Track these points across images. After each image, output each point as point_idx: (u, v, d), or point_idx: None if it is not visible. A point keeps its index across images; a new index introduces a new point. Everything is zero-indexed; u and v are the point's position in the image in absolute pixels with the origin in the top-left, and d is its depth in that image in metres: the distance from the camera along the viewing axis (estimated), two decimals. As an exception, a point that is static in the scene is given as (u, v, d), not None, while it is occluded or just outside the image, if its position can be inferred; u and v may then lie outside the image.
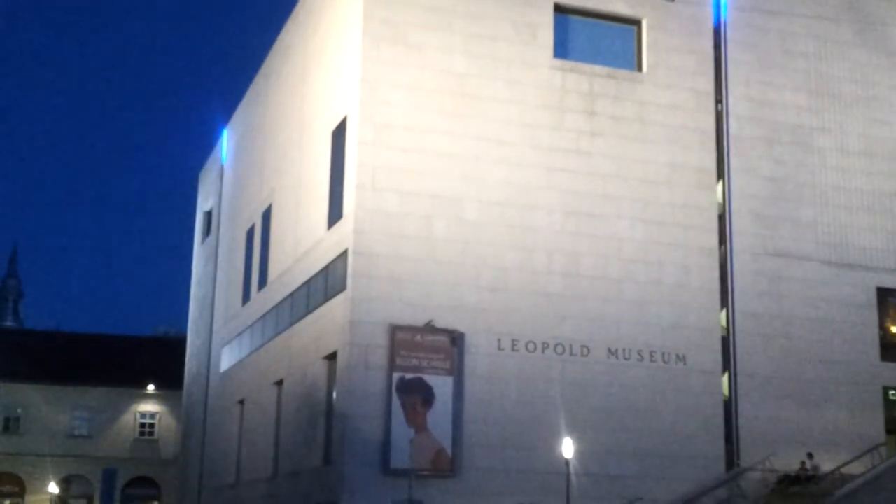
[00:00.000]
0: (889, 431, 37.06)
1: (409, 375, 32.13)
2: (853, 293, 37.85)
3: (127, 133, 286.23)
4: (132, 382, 70.42)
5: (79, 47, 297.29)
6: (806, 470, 34.81)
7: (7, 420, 69.81)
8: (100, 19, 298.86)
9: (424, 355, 32.36)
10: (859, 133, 39.28)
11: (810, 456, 35.11)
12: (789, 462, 35.10)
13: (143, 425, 71.29)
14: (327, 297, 34.99)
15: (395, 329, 32.28)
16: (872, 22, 40.45)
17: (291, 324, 39.35)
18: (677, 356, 35.10)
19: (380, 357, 32.09)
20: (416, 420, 31.93)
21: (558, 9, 36.40)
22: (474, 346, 33.12)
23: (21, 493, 68.92)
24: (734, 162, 37.46)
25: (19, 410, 69.63)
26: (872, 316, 38.06)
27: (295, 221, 40.72)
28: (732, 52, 38.20)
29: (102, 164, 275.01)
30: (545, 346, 33.85)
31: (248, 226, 48.85)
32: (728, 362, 36.01)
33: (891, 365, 37.86)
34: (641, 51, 37.22)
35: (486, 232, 33.93)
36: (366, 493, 31.22)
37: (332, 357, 34.30)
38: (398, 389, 31.96)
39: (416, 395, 32.08)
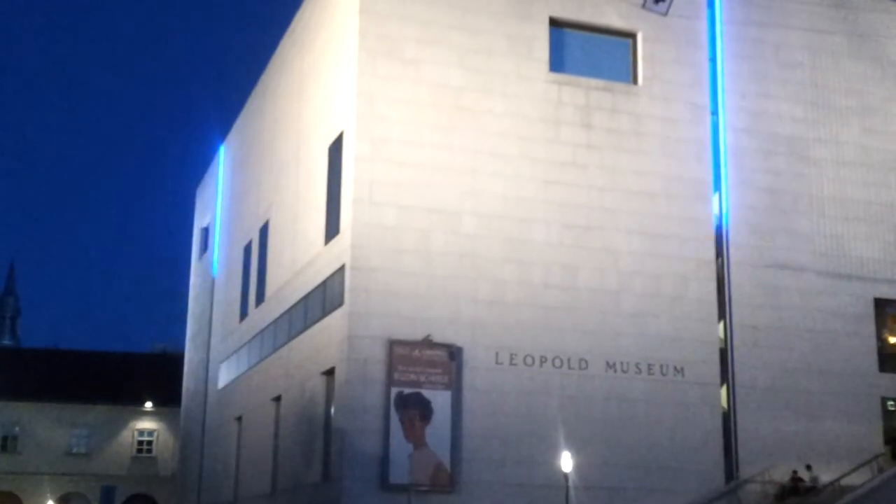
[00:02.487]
0: (888, 442, 36.99)
1: (407, 390, 32.08)
2: (851, 304, 37.85)
3: (124, 150, 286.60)
4: (130, 400, 70.30)
5: (76, 64, 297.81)
6: (801, 480, 34.75)
7: (5, 438, 69.61)
8: (97, 35, 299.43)
9: (422, 370, 32.30)
10: (855, 144, 39.36)
11: (808, 467, 35.06)
12: (788, 474, 35.05)
13: (141, 442, 71.14)
14: (325, 313, 34.96)
15: (393, 344, 32.24)
16: (866, 33, 40.57)
17: (289, 339, 39.30)
18: (675, 368, 35.06)
19: (378, 372, 32.05)
20: (414, 435, 31.86)
21: (553, 22, 36.49)
22: (472, 361, 33.07)
23: (19, 512, 68.74)
24: (730, 173, 37.53)
25: (17, 429, 69.45)
26: (870, 327, 38.04)
27: (292, 237, 40.71)
28: (728, 65, 38.31)
29: (100, 180, 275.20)
30: (543, 359, 33.82)
31: (246, 241, 48.83)
32: (726, 374, 35.97)
33: (889, 375, 37.81)
34: (637, 63, 37.29)
35: (483, 245, 33.93)
36: (365, 509, 31.15)
37: (330, 372, 34.24)
38: (396, 404, 31.91)
39: (415, 409, 32.02)
